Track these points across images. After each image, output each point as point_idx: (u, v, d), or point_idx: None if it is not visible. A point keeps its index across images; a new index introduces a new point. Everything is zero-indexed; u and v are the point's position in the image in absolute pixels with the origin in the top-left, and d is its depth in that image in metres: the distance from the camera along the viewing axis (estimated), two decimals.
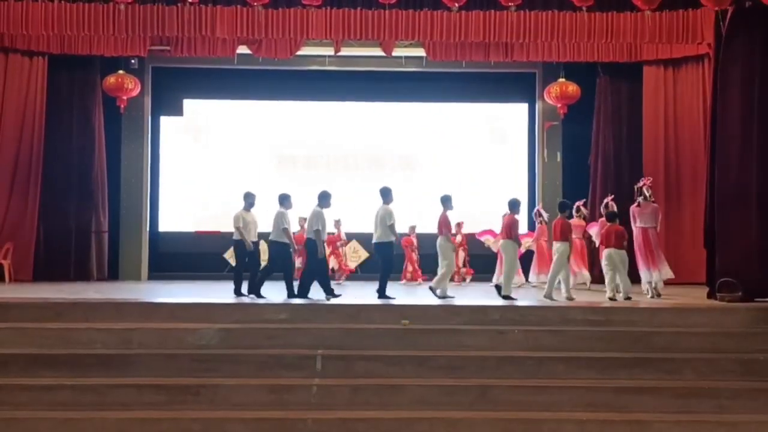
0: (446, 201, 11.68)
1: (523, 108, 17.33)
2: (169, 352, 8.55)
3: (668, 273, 12.41)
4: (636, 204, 12.59)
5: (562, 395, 7.98)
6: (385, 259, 11.34)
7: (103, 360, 8.37)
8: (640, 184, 12.82)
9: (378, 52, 14.95)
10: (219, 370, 8.25)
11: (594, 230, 13.99)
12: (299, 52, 14.83)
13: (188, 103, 17.08)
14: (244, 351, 8.58)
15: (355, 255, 15.86)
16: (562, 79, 15.44)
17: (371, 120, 17.29)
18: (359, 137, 17.19)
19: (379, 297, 10.94)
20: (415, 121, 17.28)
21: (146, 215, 16.43)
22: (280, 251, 11.32)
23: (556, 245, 11.61)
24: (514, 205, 11.66)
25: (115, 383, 7.99)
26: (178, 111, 17.00)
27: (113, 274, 15.86)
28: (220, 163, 16.93)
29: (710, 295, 11.08)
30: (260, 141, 17.09)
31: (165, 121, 17.01)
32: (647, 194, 12.56)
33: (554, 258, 11.65)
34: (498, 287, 11.49)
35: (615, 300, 11.30)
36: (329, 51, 14.97)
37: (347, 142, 17.17)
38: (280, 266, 11.34)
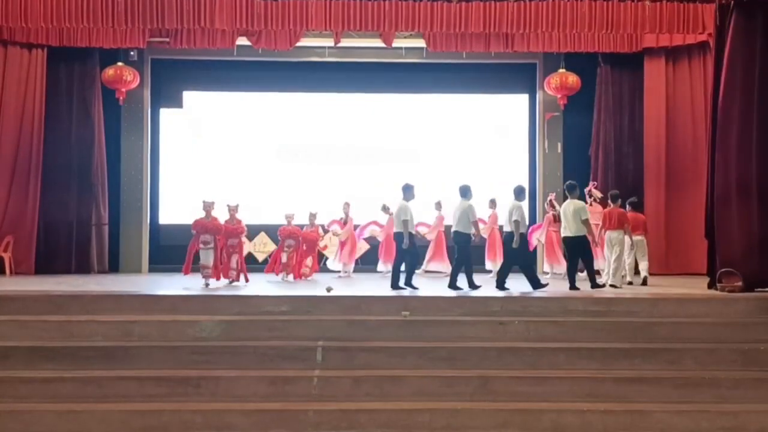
0: (616, 198, 12.54)
1: (523, 99, 17.30)
2: (169, 345, 8.55)
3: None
4: (588, 205, 13.09)
5: (563, 386, 7.98)
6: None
7: (104, 352, 8.37)
8: (589, 188, 13.67)
9: (378, 43, 14.94)
10: (220, 362, 8.26)
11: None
12: (299, 44, 14.84)
13: (188, 95, 17.05)
14: (244, 343, 8.58)
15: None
16: (562, 70, 15.43)
17: (371, 111, 17.25)
18: (359, 129, 17.15)
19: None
20: (414, 112, 17.24)
21: (146, 207, 16.42)
22: (466, 242, 11.41)
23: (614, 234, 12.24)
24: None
25: (116, 376, 7.99)
26: (177, 103, 16.97)
27: (114, 266, 15.87)
28: (220, 154, 16.90)
29: (711, 286, 11.08)
30: (260, 132, 17.05)
31: (165, 113, 16.98)
32: (597, 197, 13.58)
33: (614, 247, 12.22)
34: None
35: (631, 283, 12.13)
36: (329, 42, 14.97)
37: (347, 134, 17.12)
38: (466, 257, 11.50)
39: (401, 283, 11.34)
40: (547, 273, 14.47)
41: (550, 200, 14.63)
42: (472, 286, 11.19)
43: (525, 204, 11.53)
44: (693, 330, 9.01)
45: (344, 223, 14.76)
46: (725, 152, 11.05)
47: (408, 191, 11.63)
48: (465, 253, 11.46)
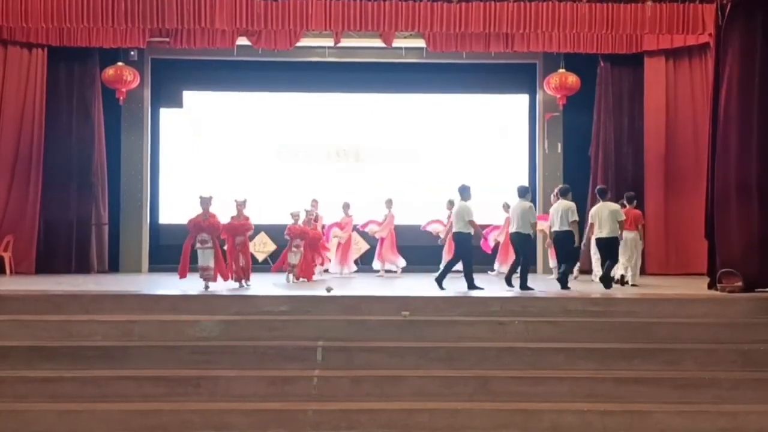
0: (632, 200, 13.02)
1: (523, 99, 17.31)
2: (169, 344, 8.54)
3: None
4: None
5: (562, 386, 7.97)
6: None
7: (104, 352, 8.36)
8: (555, 191, 13.75)
9: (378, 43, 14.94)
10: (219, 362, 8.25)
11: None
12: (299, 44, 14.84)
13: (188, 95, 17.07)
14: (244, 343, 8.57)
15: (356, 246, 15.81)
16: (562, 70, 15.42)
17: (371, 111, 17.26)
18: (359, 129, 17.17)
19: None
20: (414, 112, 17.26)
21: (146, 207, 16.44)
22: (527, 242, 11.62)
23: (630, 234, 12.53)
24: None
25: (116, 375, 7.99)
26: (177, 103, 16.98)
27: (114, 266, 15.89)
28: (220, 154, 16.92)
29: (711, 286, 11.07)
30: (260, 132, 17.08)
31: (164, 113, 17.01)
32: None
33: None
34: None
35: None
36: (329, 42, 14.97)
37: (347, 134, 17.14)
38: (528, 256, 11.87)
39: (444, 283, 11.41)
40: (494, 271, 14.96)
41: (506, 203, 14.90)
42: (525, 287, 11.31)
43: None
44: (693, 330, 8.99)
45: (314, 221, 14.20)
46: (725, 152, 11.04)
47: (465, 192, 11.70)
48: (529, 253, 11.78)
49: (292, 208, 13.71)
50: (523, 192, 11.79)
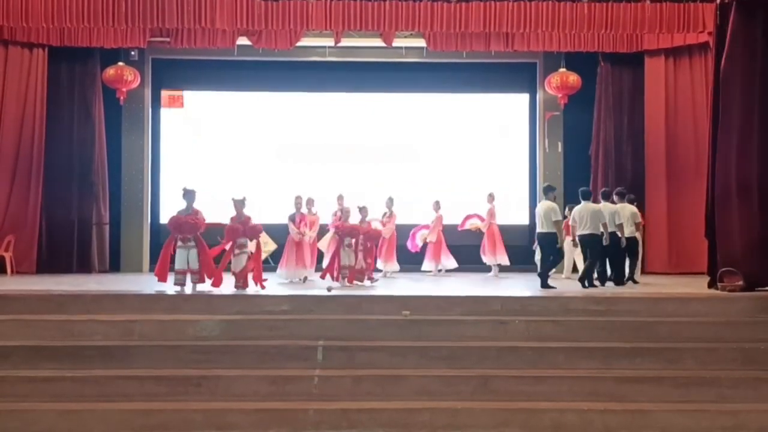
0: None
1: (524, 98, 17.30)
2: (170, 344, 8.55)
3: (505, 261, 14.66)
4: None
5: (563, 385, 7.98)
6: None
7: (105, 351, 8.37)
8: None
9: (378, 42, 14.93)
10: (220, 362, 8.26)
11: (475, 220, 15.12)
12: (299, 43, 14.82)
13: (188, 95, 17.07)
14: (245, 342, 8.58)
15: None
16: (562, 69, 15.42)
17: (372, 111, 17.25)
18: (360, 128, 17.15)
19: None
20: (415, 112, 17.24)
21: (147, 207, 16.42)
22: (597, 242, 11.80)
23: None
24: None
25: (117, 375, 8.00)
26: (177, 103, 16.97)
27: (115, 265, 15.88)
28: (221, 154, 16.91)
29: (711, 285, 11.06)
30: (260, 132, 17.07)
31: (165, 113, 17.00)
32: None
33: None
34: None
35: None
36: (329, 42, 14.96)
37: (348, 133, 17.13)
38: (600, 257, 12.06)
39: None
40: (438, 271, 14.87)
41: (437, 201, 15.05)
42: (591, 283, 11.67)
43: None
44: (693, 329, 9.00)
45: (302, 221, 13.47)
46: (726, 151, 11.03)
47: (551, 192, 11.87)
48: (595, 254, 11.89)
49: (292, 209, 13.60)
50: (585, 195, 12.10)
